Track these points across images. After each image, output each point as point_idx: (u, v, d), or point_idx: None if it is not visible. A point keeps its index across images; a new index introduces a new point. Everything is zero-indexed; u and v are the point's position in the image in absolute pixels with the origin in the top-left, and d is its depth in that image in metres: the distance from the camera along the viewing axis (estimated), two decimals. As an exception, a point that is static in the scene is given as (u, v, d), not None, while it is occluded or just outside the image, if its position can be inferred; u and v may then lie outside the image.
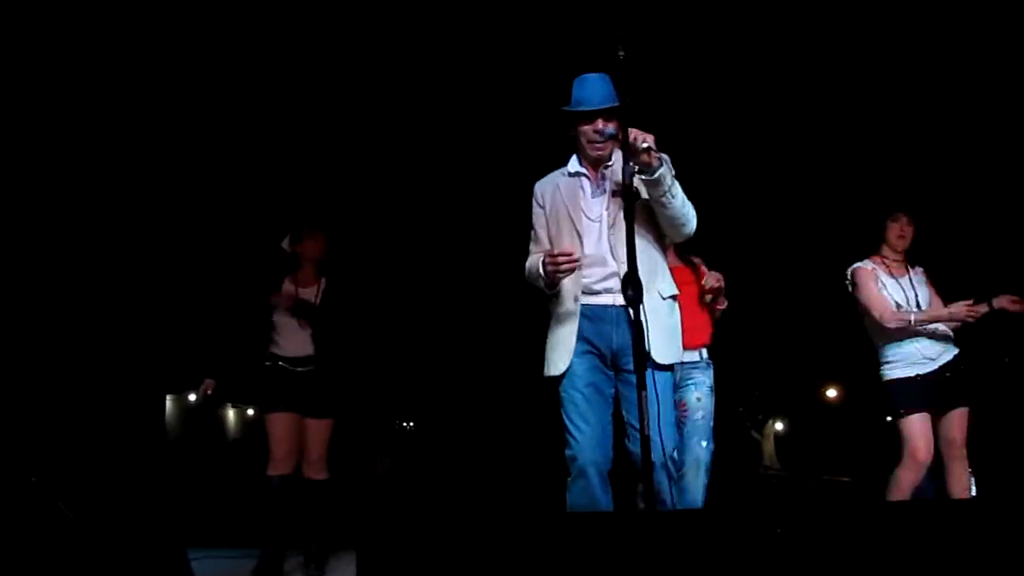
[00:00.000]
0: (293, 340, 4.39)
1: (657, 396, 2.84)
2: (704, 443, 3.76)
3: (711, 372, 3.95)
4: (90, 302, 6.44)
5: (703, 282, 3.85)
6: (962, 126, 7.31)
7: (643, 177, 2.91)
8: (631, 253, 2.68)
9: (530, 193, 3.34)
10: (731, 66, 6.62)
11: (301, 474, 4.43)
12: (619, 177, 3.01)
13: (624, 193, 2.73)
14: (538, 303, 3.81)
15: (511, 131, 6.84)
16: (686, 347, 3.51)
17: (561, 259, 2.95)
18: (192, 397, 4.96)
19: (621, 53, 2.76)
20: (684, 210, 3.03)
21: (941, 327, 4.15)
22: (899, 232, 4.25)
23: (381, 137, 7.50)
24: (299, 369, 4.38)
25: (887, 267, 4.25)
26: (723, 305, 3.97)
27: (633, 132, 2.87)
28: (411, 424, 32.12)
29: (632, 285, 2.64)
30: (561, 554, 2.00)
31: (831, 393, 24.68)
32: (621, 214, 2.91)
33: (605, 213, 3.10)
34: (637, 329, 2.60)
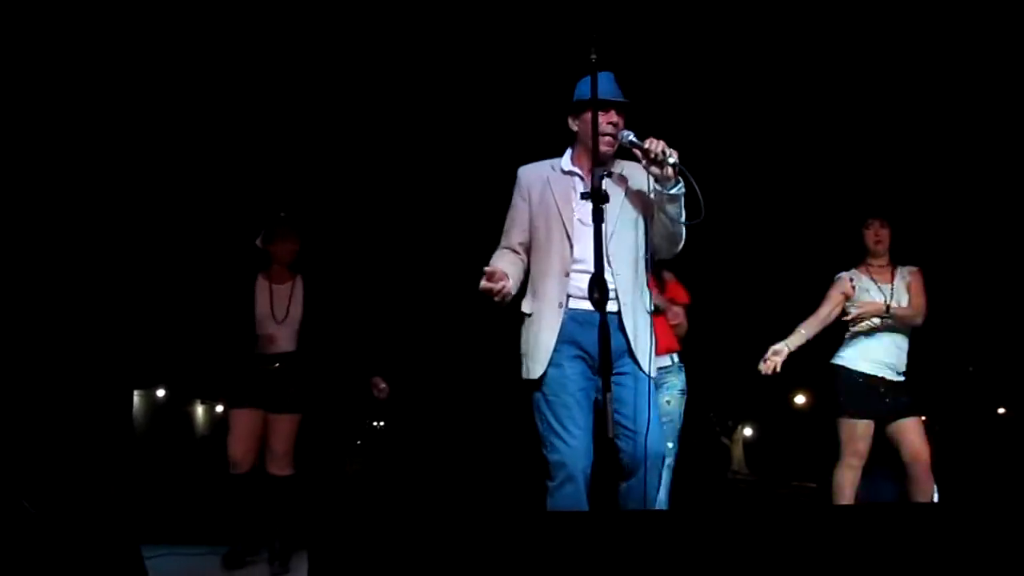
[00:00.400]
0: (267, 337, 4.38)
1: (649, 399, 2.90)
2: (670, 445, 3.81)
3: (683, 375, 4.01)
4: (57, 296, 6.36)
5: (673, 310, 3.92)
6: (944, 129, 7.41)
7: (666, 192, 2.88)
8: (599, 256, 2.63)
9: (504, 185, 3.23)
10: (708, 71, 6.67)
11: (265, 470, 4.38)
12: (618, 184, 3.03)
13: (594, 196, 2.69)
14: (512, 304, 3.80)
15: (485, 130, 6.84)
16: (657, 353, 3.59)
17: (497, 288, 2.88)
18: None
19: (593, 56, 2.75)
20: (683, 228, 3.01)
21: (905, 344, 4.23)
22: (874, 237, 4.33)
23: (356, 135, 7.48)
24: (268, 366, 4.36)
25: (870, 273, 4.32)
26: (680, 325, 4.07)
27: (660, 144, 2.84)
28: (382, 423, 31.96)
29: (599, 288, 2.60)
30: (518, 555, 2.00)
31: (800, 400, 24.91)
32: (616, 223, 2.95)
33: (605, 222, 2.99)
34: (603, 331, 2.58)
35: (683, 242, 3.07)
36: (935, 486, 4.27)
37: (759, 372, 4.11)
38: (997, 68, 6.50)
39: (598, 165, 2.76)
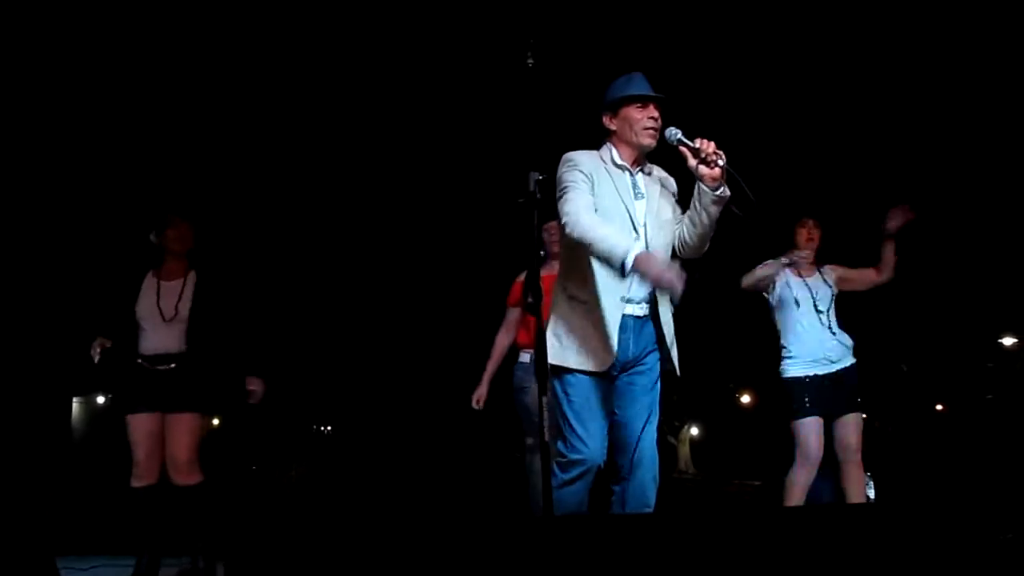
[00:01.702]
0: (155, 336, 4.07)
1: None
2: None
3: None
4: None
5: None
6: (889, 130, 7.58)
7: (715, 194, 2.87)
8: (535, 262, 2.65)
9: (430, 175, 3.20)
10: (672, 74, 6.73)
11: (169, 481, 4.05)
12: (651, 185, 3.05)
13: (529, 201, 2.66)
14: (464, 304, 3.77)
15: (402, 119, 6.78)
16: None
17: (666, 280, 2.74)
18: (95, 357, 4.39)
19: (530, 61, 2.74)
20: (714, 230, 3.01)
21: (844, 338, 4.32)
22: (807, 236, 4.43)
23: (258, 130, 7.37)
24: (160, 367, 4.05)
25: (795, 269, 4.41)
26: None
27: (711, 144, 2.85)
28: (329, 428, 31.63)
29: (533, 292, 2.59)
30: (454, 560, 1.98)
31: (745, 399, 25.31)
32: (658, 224, 2.99)
33: (646, 221, 3.01)
34: (539, 336, 2.58)
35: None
36: (868, 479, 4.37)
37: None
38: (956, 76, 6.68)
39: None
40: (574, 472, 2.93)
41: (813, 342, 4.31)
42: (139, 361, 4.07)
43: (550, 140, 3.05)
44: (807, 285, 4.39)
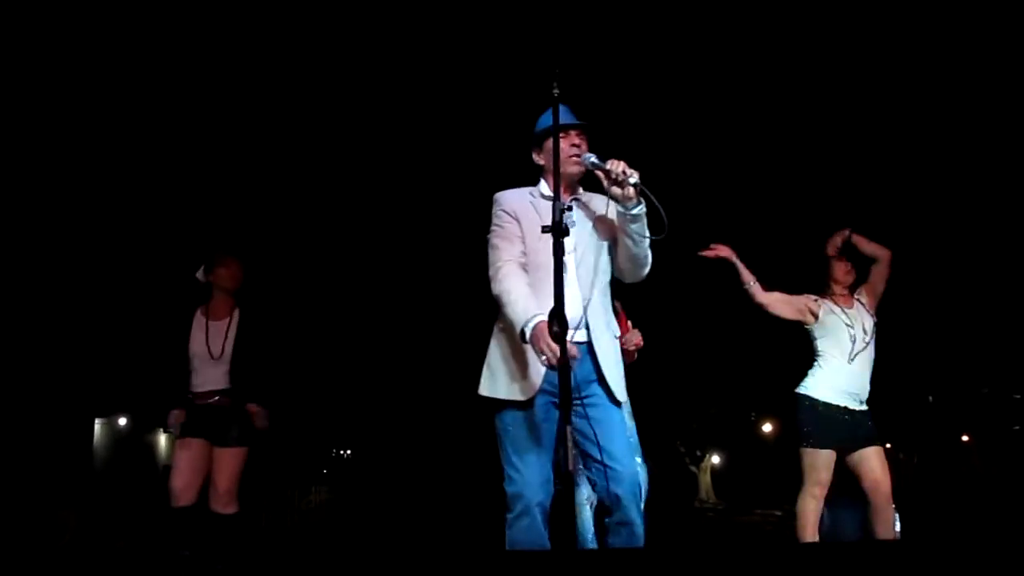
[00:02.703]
0: (204, 374, 4.23)
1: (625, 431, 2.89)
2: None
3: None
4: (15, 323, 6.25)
5: (625, 337, 3.85)
6: (908, 155, 7.56)
7: (629, 212, 2.87)
8: (559, 290, 2.61)
9: (451, 211, 3.21)
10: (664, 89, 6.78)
11: (209, 508, 4.18)
12: (583, 211, 3.04)
13: (555, 229, 2.66)
14: (479, 325, 3.79)
15: (433, 154, 6.86)
16: None
17: (556, 357, 2.60)
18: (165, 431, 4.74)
19: (556, 91, 2.76)
20: (648, 249, 2.99)
21: (868, 373, 4.29)
22: (846, 270, 4.40)
23: (302, 160, 7.47)
24: (209, 401, 4.22)
25: (835, 301, 4.39)
26: (635, 348, 4.03)
27: (620, 164, 2.86)
28: (348, 452, 31.69)
29: (559, 321, 2.56)
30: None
31: (767, 428, 25.09)
32: (583, 250, 2.95)
33: (575, 249, 2.97)
34: (563, 368, 2.52)
35: (648, 266, 3.05)
36: (896, 514, 4.30)
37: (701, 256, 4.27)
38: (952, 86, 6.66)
39: (558, 199, 2.70)
40: (517, 508, 2.85)
41: (849, 374, 4.26)
42: (189, 396, 4.23)
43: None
44: (849, 317, 4.36)
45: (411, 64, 6.25)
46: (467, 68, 6.18)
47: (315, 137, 7.11)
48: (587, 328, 2.94)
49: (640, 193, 2.86)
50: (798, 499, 4.22)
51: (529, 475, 2.86)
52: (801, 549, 2.78)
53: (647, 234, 2.93)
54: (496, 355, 3.00)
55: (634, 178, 2.84)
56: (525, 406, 2.89)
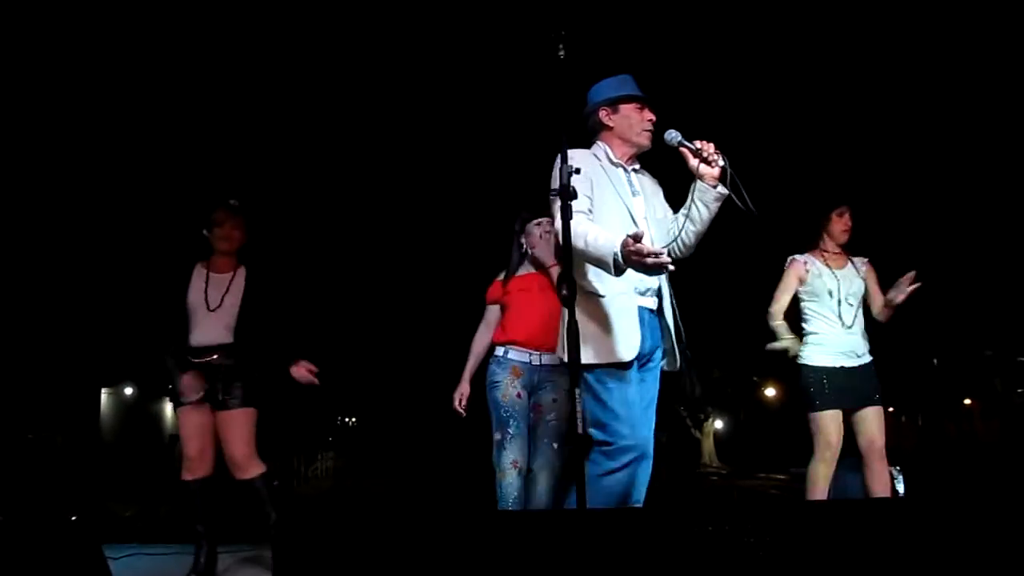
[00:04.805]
0: (201, 327, 4.02)
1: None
2: (555, 445, 3.72)
3: None
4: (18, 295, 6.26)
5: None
6: (909, 125, 7.52)
7: (717, 191, 2.93)
8: (567, 253, 2.60)
9: (461, 181, 3.22)
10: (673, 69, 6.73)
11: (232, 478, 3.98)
12: (648, 181, 3.13)
13: (562, 192, 2.64)
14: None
15: (438, 122, 6.83)
16: (547, 349, 3.65)
17: (652, 258, 2.63)
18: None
19: (561, 53, 2.73)
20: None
21: (860, 327, 4.29)
22: (843, 226, 4.36)
23: (312, 121, 7.45)
24: (205, 359, 4.00)
25: (825, 259, 4.36)
26: None
27: (711, 145, 2.92)
28: (353, 420, 31.90)
29: (568, 284, 2.56)
30: (490, 554, 2.00)
31: (770, 392, 25.19)
32: (658, 221, 3.06)
33: (646, 216, 3.05)
34: (572, 330, 2.53)
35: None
36: (895, 472, 4.33)
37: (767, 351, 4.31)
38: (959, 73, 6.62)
39: (565, 161, 2.67)
40: (623, 459, 2.89)
41: (840, 334, 4.28)
42: (184, 351, 4.01)
43: (581, 132, 3.08)
44: (838, 276, 4.34)
45: (421, 37, 6.20)
46: (472, 44, 6.13)
47: (325, 105, 7.09)
48: (658, 296, 3.07)
49: (724, 175, 2.92)
50: (809, 465, 4.25)
51: (641, 428, 2.94)
52: (803, 508, 2.81)
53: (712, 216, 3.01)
54: (590, 325, 2.91)
55: (723, 160, 2.91)
56: (627, 367, 2.94)
